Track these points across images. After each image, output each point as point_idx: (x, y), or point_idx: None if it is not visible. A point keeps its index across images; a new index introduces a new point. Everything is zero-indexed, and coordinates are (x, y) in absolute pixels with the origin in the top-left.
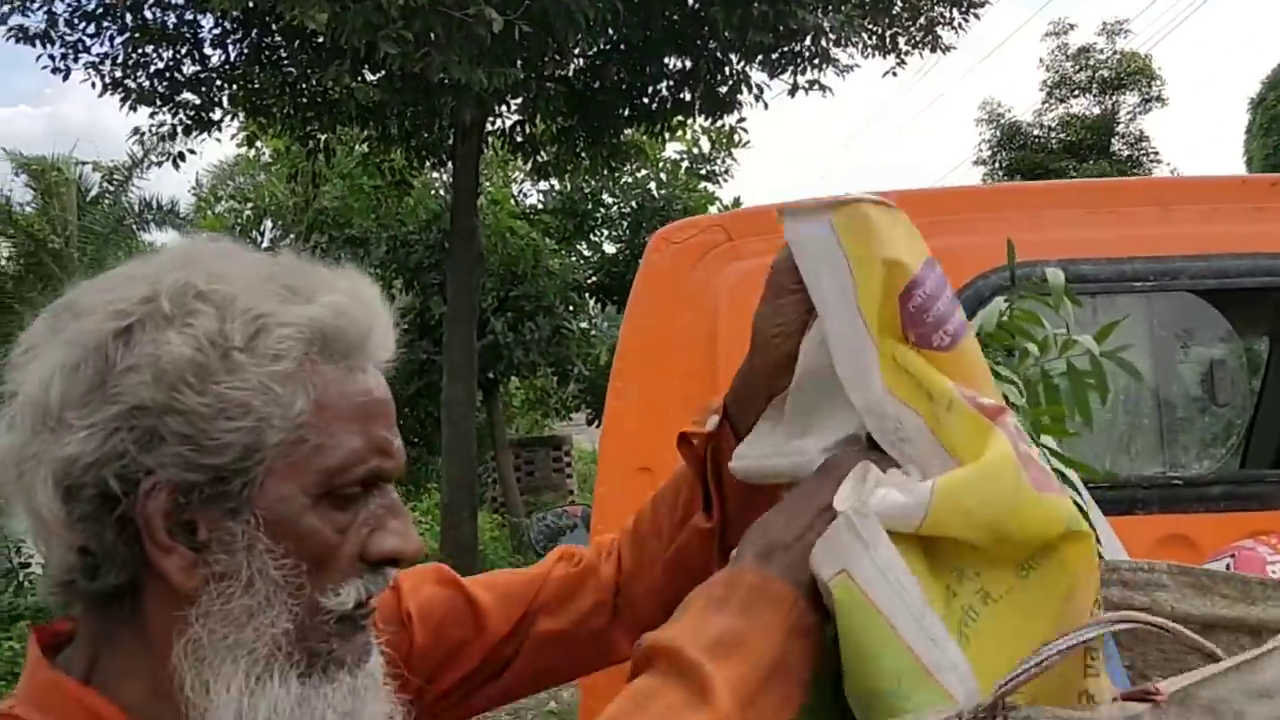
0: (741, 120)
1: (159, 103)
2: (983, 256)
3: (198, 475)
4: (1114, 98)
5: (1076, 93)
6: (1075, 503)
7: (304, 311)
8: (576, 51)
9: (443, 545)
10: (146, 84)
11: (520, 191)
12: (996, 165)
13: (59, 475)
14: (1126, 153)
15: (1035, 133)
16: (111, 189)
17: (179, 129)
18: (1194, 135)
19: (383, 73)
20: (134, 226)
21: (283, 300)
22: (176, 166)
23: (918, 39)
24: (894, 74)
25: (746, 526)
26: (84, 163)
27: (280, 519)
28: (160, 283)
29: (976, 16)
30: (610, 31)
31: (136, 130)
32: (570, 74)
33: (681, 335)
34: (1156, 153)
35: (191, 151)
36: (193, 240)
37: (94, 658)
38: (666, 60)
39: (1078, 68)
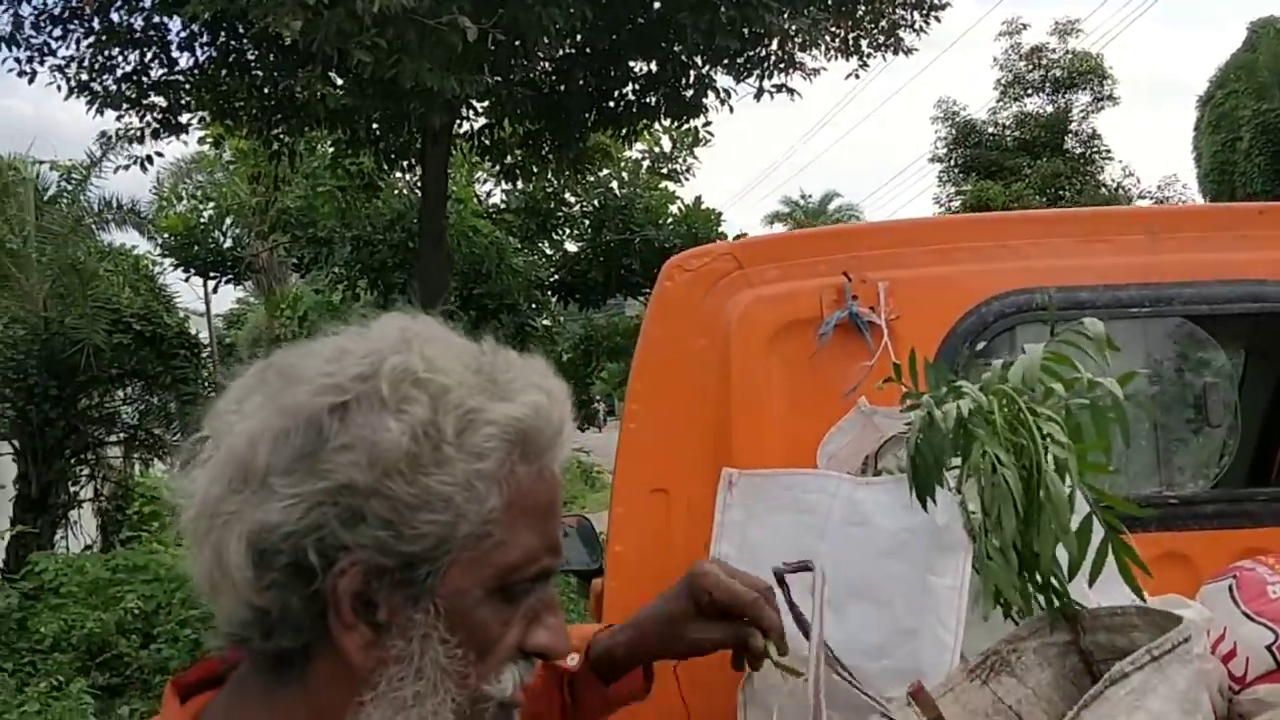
0: (707, 124)
1: (126, 106)
2: (985, 283)
3: (390, 560)
4: (1066, 96)
5: (1030, 91)
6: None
7: (508, 410)
8: (543, 56)
9: None
10: (113, 87)
11: (484, 191)
12: (952, 162)
13: (254, 538)
14: (1079, 150)
15: (990, 130)
16: (70, 188)
17: (146, 132)
18: (1145, 133)
19: (351, 77)
20: (93, 226)
21: (489, 396)
22: (144, 169)
23: (880, 41)
24: (856, 76)
25: None
26: (41, 161)
27: (456, 610)
28: (380, 363)
29: (938, 19)
30: (578, 36)
31: (104, 134)
32: (537, 78)
33: (694, 360)
34: (1109, 150)
35: (159, 154)
36: (408, 320)
37: (239, 712)
38: (632, 64)
39: (1030, 67)
